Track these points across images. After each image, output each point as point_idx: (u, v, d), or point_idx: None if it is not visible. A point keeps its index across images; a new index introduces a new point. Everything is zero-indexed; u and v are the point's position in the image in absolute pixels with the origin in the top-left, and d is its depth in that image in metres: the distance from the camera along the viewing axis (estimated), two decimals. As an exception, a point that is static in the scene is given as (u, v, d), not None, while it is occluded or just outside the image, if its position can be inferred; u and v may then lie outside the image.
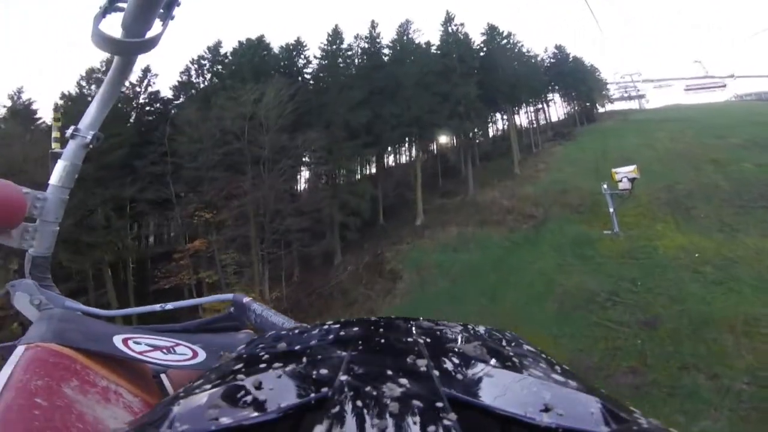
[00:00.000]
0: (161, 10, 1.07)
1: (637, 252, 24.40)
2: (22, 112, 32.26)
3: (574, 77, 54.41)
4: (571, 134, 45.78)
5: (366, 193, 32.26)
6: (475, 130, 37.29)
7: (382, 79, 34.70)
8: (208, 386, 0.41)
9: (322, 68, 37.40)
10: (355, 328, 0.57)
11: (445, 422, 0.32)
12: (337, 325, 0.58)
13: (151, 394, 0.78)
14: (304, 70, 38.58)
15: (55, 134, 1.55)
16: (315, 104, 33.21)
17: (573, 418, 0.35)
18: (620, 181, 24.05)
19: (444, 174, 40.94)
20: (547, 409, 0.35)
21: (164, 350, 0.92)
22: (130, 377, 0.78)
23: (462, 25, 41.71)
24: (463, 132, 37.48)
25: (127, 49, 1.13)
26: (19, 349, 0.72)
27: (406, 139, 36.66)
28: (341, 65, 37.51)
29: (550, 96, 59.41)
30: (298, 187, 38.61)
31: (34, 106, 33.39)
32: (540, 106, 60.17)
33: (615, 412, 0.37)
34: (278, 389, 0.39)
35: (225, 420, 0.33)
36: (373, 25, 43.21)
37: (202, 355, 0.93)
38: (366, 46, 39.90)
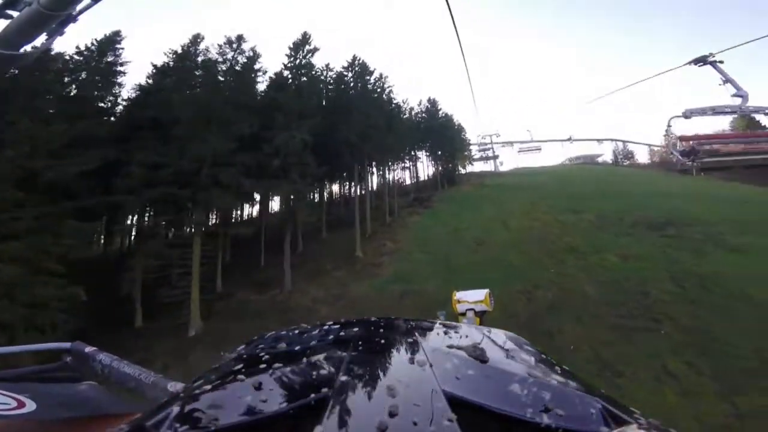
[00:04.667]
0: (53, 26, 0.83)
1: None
2: None
3: (442, 135, 50.87)
4: (429, 200, 39.41)
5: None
6: (304, 193, 26.96)
7: (157, 109, 22.39)
8: (208, 386, 0.41)
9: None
10: (355, 329, 0.56)
11: (445, 422, 0.31)
12: (337, 326, 0.58)
13: None
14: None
15: None
16: None
17: (573, 419, 0.34)
18: (463, 313, 12.48)
19: (269, 251, 28.56)
20: (547, 409, 0.35)
21: None
22: None
23: (315, 51, 31.68)
24: (283, 195, 26.97)
25: None
26: None
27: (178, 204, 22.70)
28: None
29: (419, 154, 55.03)
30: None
31: None
32: (407, 164, 55.06)
33: (615, 412, 0.36)
34: (278, 389, 0.38)
35: (225, 420, 0.33)
36: (196, 39, 30.88)
37: (31, 406, 0.84)
38: (170, 62, 27.40)
